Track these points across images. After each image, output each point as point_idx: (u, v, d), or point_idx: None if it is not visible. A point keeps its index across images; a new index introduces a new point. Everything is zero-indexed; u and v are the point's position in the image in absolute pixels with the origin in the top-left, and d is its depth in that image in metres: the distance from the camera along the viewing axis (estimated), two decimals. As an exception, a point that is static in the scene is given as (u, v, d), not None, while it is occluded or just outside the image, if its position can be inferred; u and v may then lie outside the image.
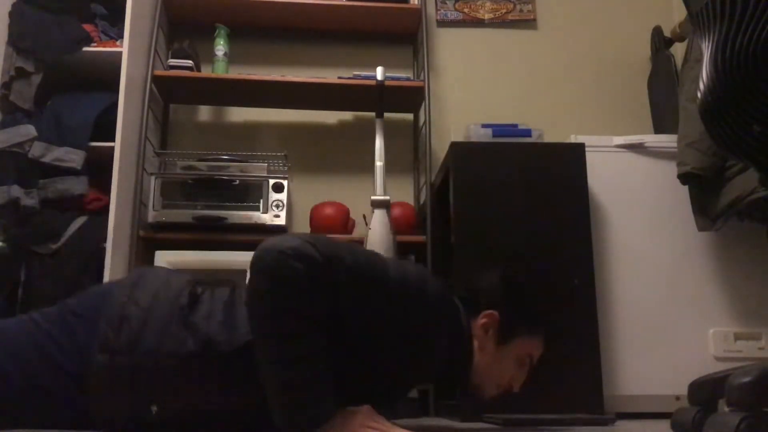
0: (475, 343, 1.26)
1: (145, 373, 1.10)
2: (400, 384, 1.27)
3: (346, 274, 1.08)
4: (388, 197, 2.18)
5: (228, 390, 1.13)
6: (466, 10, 3.01)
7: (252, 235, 2.31)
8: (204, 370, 1.12)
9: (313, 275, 1.03)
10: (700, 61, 1.04)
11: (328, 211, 2.46)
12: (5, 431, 1.11)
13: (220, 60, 2.63)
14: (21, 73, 2.26)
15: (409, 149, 2.84)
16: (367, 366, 1.15)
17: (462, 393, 1.35)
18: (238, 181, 2.37)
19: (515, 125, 2.36)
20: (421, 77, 2.67)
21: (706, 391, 1.12)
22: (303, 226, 2.59)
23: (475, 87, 2.92)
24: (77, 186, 2.20)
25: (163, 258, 2.21)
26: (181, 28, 2.81)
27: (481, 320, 1.26)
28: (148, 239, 2.35)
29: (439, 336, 1.19)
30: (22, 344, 1.12)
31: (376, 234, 2.09)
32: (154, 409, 1.12)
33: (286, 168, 2.57)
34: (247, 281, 1.07)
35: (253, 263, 1.05)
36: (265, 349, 1.03)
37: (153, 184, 2.33)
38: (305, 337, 1.02)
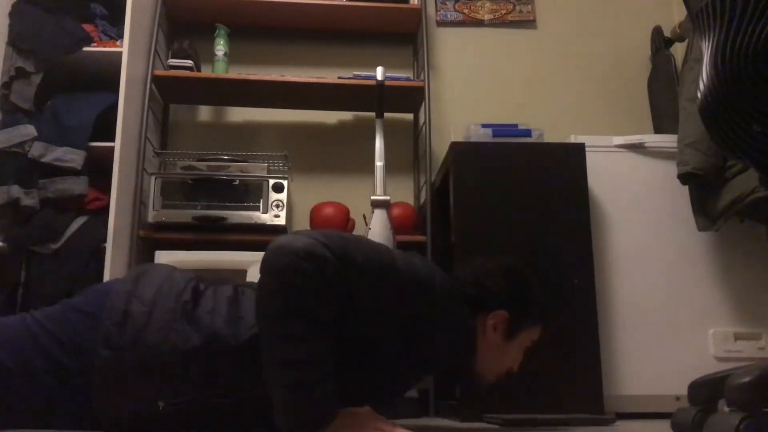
0: (481, 338, 1.28)
1: (150, 368, 1.10)
2: (402, 378, 1.28)
3: (357, 273, 1.08)
4: (388, 197, 2.18)
5: (234, 383, 1.13)
6: (465, 10, 3.01)
7: (252, 235, 2.31)
8: (209, 364, 1.12)
9: (325, 277, 1.03)
10: (700, 61, 1.04)
11: (328, 211, 2.46)
12: (5, 431, 1.10)
13: (220, 60, 2.63)
14: (21, 73, 2.26)
15: (409, 149, 2.84)
16: (371, 360, 1.16)
17: (463, 384, 1.35)
18: (238, 181, 2.37)
19: (515, 125, 2.36)
20: (421, 77, 2.67)
21: (706, 391, 1.12)
22: (303, 226, 2.59)
23: (475, 87, 2.92)
24: (77, 186, 2.20)
25: (163, 258, 2.20)
26: (181, 28, 2.81)
27: (491, 320, 1.27)
28: (148, 239, 2.35)
29: (442, 329, 1.20)
30: (21, 340, 1.11)
31: (376, 234, 2.09)
32: (161, 404, 1.11)
33: (286, 168, 2.57)
34: (258, 281, 1.06)
35: (265, 263, 1.04)
36: (272, 349, 1.03)
37: (153, 184, 2.33)
38: (312, 340, 1.02)
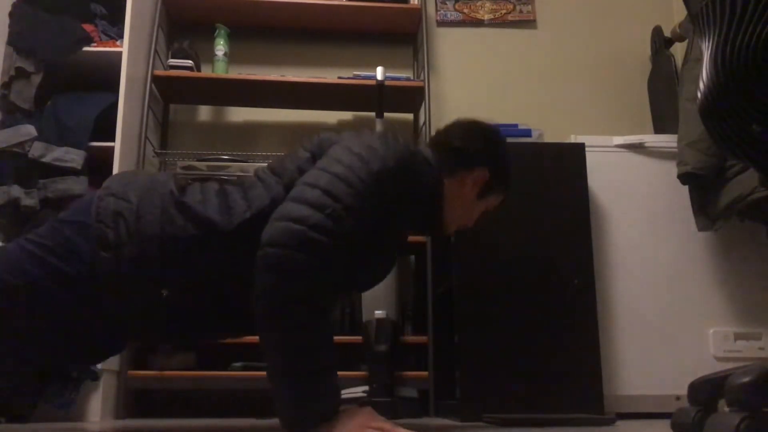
0: (456, 190, 1.36)
1: (152, 259, 1.12)
2: (394, 252, 1.37)
3: (352, 227, 1.08)
4: (388, 197, 2.18)
5: (232, 268, 1.15)
6: (465, 10, 3.01)
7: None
8: (206, 252, 1.14)
9: (319, 260, 1.03)
10: (700, 61, 1.04)
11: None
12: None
13: (220, 60, 2.63)
14: (21, 73, 2.26)
15: (409, 149, 2.84)
16: (370, 259, 1.25)
17: (428, 232, 1.56)
18: (238, 181, 2.37)
19: (515, 125, 2.36)
20: (421, 77, 2.67)
21: (706, 391, 1.12)
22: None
23: (475, 87, 2.92)
24: (77, 186, 2.20)
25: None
26: (181, 28, 2.81)
27: (474, 174, 1.36)
28: (148, 239, 2.35)
29: (421, 195, 1.28)
30: (19, 258, 1.14)
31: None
32: (165, 292, 1.13)
33: (286, 168, 2.56)
34: (254, 279, 1.06)
35: (260, 257, 1.04)
36: (271, 345, 1.03)
37: (153, 184, 2.33)
38: (311, 336, 1.02)
